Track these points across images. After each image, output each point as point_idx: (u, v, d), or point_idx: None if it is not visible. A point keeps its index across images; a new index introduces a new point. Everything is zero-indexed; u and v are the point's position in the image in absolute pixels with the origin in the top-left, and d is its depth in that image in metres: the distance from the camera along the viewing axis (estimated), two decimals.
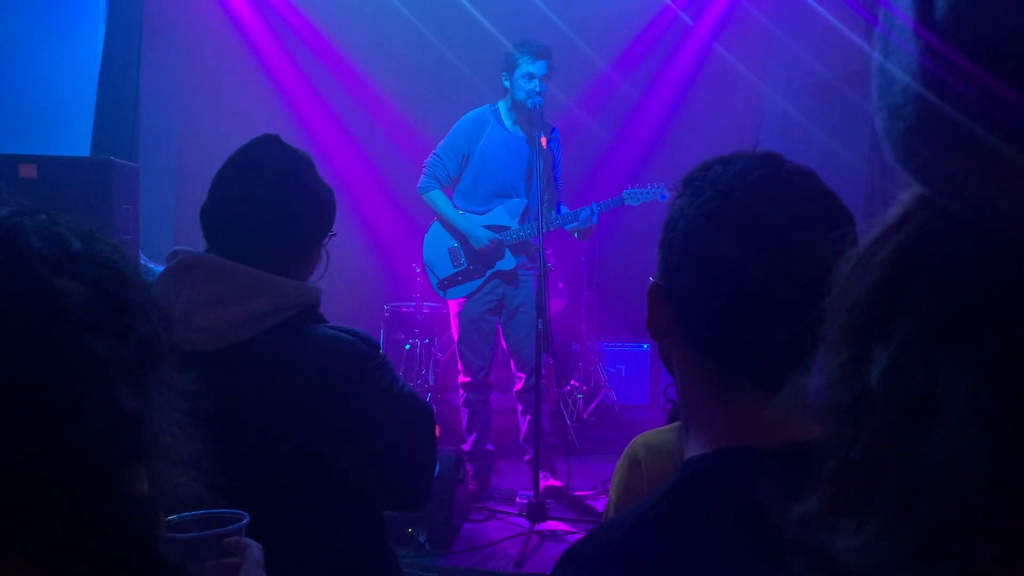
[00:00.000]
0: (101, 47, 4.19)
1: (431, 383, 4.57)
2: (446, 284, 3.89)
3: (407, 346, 4.67)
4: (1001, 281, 0.28)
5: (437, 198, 3.85)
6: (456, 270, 3.87)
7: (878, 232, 0.34)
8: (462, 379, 3.96)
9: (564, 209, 3.86)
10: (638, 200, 3.79)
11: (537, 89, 3.68)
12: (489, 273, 3.85)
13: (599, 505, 3.74)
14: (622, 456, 1.24)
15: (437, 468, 2.65)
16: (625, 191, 3.80)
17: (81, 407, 0.57)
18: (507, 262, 3.84)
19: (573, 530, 3.53)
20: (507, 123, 3.86)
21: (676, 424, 1.18)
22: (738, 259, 0.74)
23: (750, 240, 0.74)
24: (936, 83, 0.30)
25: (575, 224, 3.77)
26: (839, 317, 0.34)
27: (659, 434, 1.22)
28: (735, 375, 0.75)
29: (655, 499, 0.75)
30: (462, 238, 3.83)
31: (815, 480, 0.33)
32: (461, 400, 4.00)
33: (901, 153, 0.32)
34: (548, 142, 3.78)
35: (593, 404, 4.99)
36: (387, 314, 4.90)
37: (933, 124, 0.30)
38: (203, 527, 0.96)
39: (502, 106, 3.87)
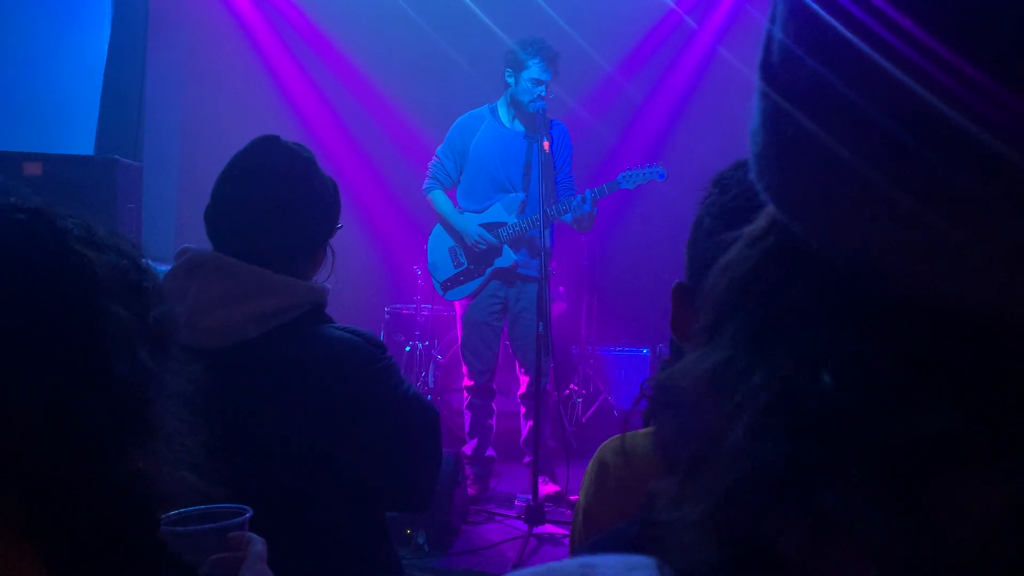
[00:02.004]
0: (106, 46, 4.20)
1: (431, 385, 4.57)
2: (448, 285, 3.88)
3: (407, 348, 4.67)
4: (809, 295, 0.31)
5: (437, 198, 3.87)
6: (457, 270, 3.86)
7: (748, 237, 0.37)
8: (466, 382, 3.95)
9: (558, 203, 3.74)
10: (635, 182, 3.64)
11: (542, 94, 3.66)
12: (488, 272, 3.81)
13: None
14: (591, 461, 1.22)
15: None
16: (620, 174, 3.68)
17: (109, 362, 0.62)
18: (505, 259, 3.79)
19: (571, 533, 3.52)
20: (504, 119, 3.82)
21: (649, 430, 1.16)
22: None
23: None
24: (772, 120, 0.33)
25: (569, 214, 3.66)
26: (702, 313, 0.37)
27: (632, 438, 1.19)
28: None
29: None
30: (459, 237, 3.83)
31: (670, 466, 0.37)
32: (465, 403, 3.99)
33: (755, 173, 0.35)
34: (552, 144, 3.72)
35: (592, 408, 4.99)
36: (388, 316, 4.90)
37: (771, 155, 0.33)
38: (206, 522, 0.96)
39: (500, 102, 3.85)
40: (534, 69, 3.64)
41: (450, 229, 3.86)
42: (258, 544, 0.97)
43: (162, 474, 0.66)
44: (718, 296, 0.36)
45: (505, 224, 3.77)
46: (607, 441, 1.21)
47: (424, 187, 3.91)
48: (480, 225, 3.78)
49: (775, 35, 0.34)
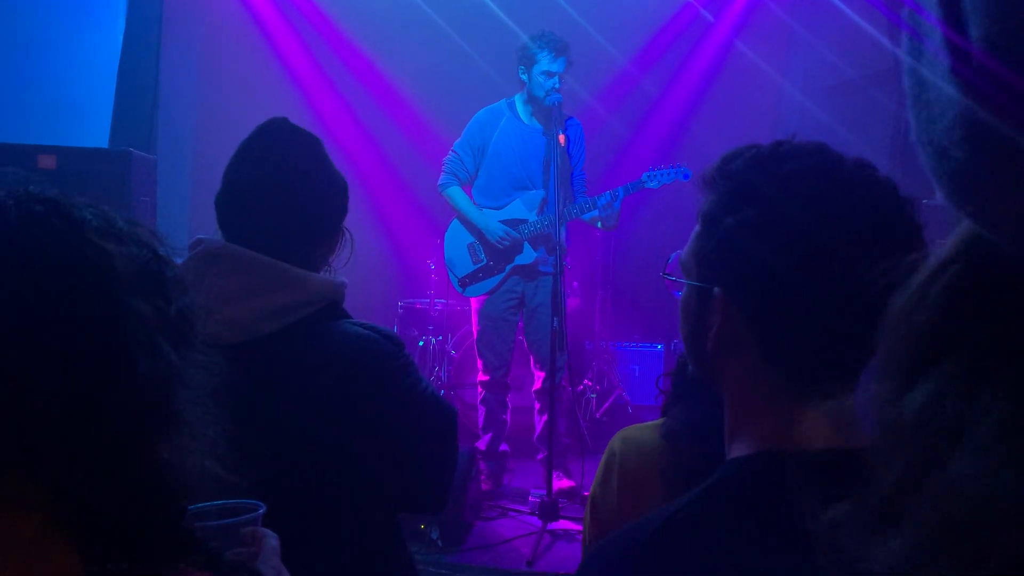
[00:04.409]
0: (121, 40, 4.21)
1: (444, 380, 4.56)
2: (466, 282, 3.85)
3: (420, 343, 4.66)
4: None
5: (455, 194, 3.83)
6: (476, 267, 3.83)
7: (934, 263, 0.34)
8: (481, 377, 3.93)
9: (583, 199, 3.74)
10: (659, 182, 3.62)
11: (556, 86, 3.63)
12: (508, 268, 3.79)
13: None
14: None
15: None
16: (645, 173, 3.65)
17: (132, 357, 0.62)
18: (526, 256, 3.78)
19: None
20: (523, 116, 3.80)
21: (658, 422, 1.15)
22: (812, 272, 0.71)
23: (820, 254, 0.71)
24: (981, 135, 0.29)
25: (595, 212, 3.65)
26: (892, 346, 0.35)
27: (640, 430, 1.18)
28: (808, 384, 0.73)
29: (690, 498, 0.73)
30: (479, 233, 3.80)
31: (851, 490, 0.35)
32: (479, 398, 3.98)
33: (951, 194, 0.32)
34: (568, 139, 3.70)
35: (606, 404, 4.97)
36: (401, 310, 4.89)
37: (979, 171, 0.30)
38: (220, 517, 0.95)
39: (518, 99, 3.83)
40: (543, 61, 3.63)
41: (469, 225, 3.83)
42: (272, 539, 0.96)
43: (187, 464, 0.67)
44: (913, 330, 0.34)
45: (526, 221, 3.75)
46: (620, 431, 1.20)
47: (440, 183, 3.86)
48: (501, 222, 3.76)
49: (975, 44, 0.29)
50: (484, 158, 3.80)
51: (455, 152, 3.86)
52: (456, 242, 3.88)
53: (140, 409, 0.62)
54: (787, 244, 0.72)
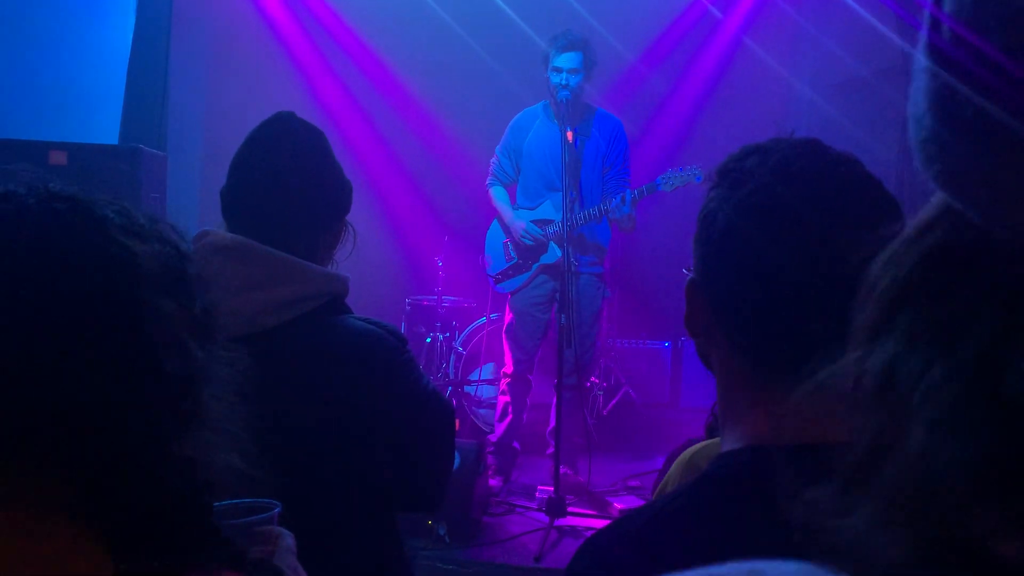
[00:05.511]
0: (131, 36, 4.22)
1: (451, 377, 4.58)
2: (499, 278, 3.98)
3: (428, 339, 4.67)
4: (997, 288, 0.29)
5: (495, 194, 3.99)
6: (508, 264, 3.96)
7: (911, 232, 0.35)
8: (505, 369, 4.01)
9: (598, 203, 3.79)
10: (672, 184, 3.60)
11: (564, 82, 3.64)
12: (535, 267, 3.88)
13: (618, 501, 3.73)
14: (677, 466, 1.20)
15: (457, 461, 2.62)
16: (660, 176, 3.65)
17: (159, 356, 0.61)
18: (550, 255, 3.84)
19: (592, 526, 3.52)
20: (554, 117, 3.84)
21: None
22: (778, 258, 0.71)
23: (791, 238, 0.71)
24: (943, 102, 0.31)
25: (608, 215, 3.68)
26: (863, 312, 0.35)
27: (717, 446, 1.19)
28: (774, 373, 0.74)
29: (679, 492, 0.74)
30: (510, 232, 3.92)
31: (834, 469, 0.36)
32: (499, 389, 4.06)
33: (922, 160, 0.33)
34: (576, 136, 3.71)
35: (613, 401, 4.97)
36: (408, 307, 4.90)
37: (943, 139, 0.31)
38: (235, 516, 0.95)
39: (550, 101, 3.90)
40: (551, 59, 3.68)
41: (503, 224, 3.97)
42: (287, 538, 0.96)
43: (212, 460, 0.67)
44: (881, 293, 0.34)
45: (553, 221, 3.81)
46: (696, 447, 1.20)
47: (486, 183, 4.04)
48: (531, 222, 3.86)
49: (945, 12, 0.31)
50: (522, 159, 3.90)
51: (496, 155, 4.01)
52: (494, 240, 4.02)
53: (167, 407, 0.62)
54: (740, 228, 0.73)
